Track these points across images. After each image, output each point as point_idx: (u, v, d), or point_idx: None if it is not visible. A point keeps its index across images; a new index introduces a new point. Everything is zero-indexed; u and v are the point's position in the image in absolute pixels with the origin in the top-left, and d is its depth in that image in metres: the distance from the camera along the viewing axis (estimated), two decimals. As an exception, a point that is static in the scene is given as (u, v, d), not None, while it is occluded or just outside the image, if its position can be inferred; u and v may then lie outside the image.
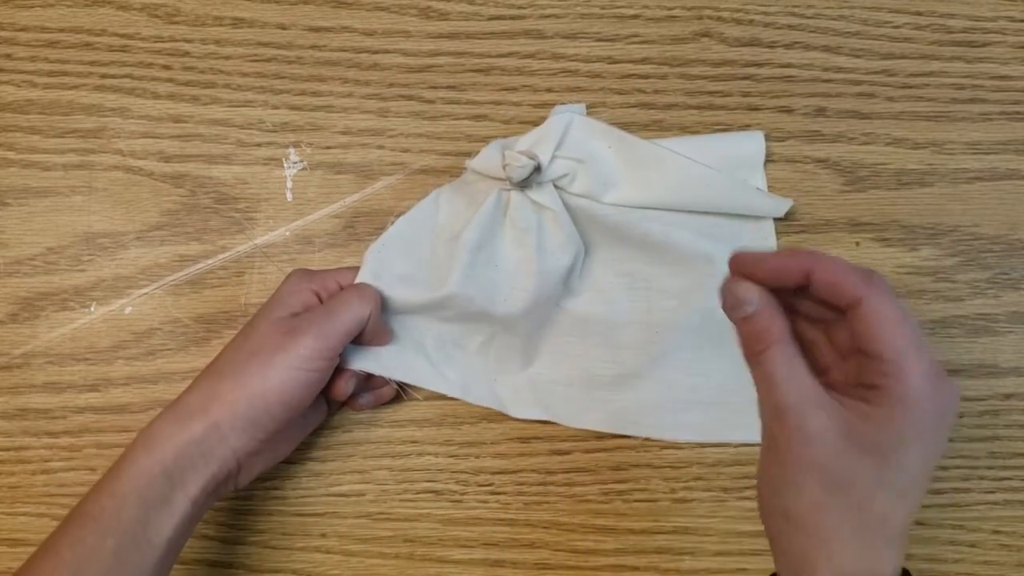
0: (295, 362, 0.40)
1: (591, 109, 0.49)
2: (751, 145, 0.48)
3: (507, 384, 0.47)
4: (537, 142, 0.45)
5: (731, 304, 0.35)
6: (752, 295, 0.35)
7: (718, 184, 0.47)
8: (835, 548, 0.33)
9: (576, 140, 0.46)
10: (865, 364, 0.33)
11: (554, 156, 0.45)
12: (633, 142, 0.47)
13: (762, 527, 0.35)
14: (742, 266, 0.35)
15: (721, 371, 0.47)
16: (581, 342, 0.47)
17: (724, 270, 0.36)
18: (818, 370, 0.35)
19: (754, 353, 0.34)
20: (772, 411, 0.34)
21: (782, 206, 0.47)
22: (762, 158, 0.48)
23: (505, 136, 0.48)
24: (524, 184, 0.45)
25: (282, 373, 0.39)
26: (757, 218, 0.48)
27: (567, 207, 0.46)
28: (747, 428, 0.46)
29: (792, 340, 0.34)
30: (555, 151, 0.45)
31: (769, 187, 0.49)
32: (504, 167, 0.44)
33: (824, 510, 0.33)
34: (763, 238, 0.48)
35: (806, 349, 0.35)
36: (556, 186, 0.46)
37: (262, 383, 0.39)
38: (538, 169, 0.45)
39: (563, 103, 0.49)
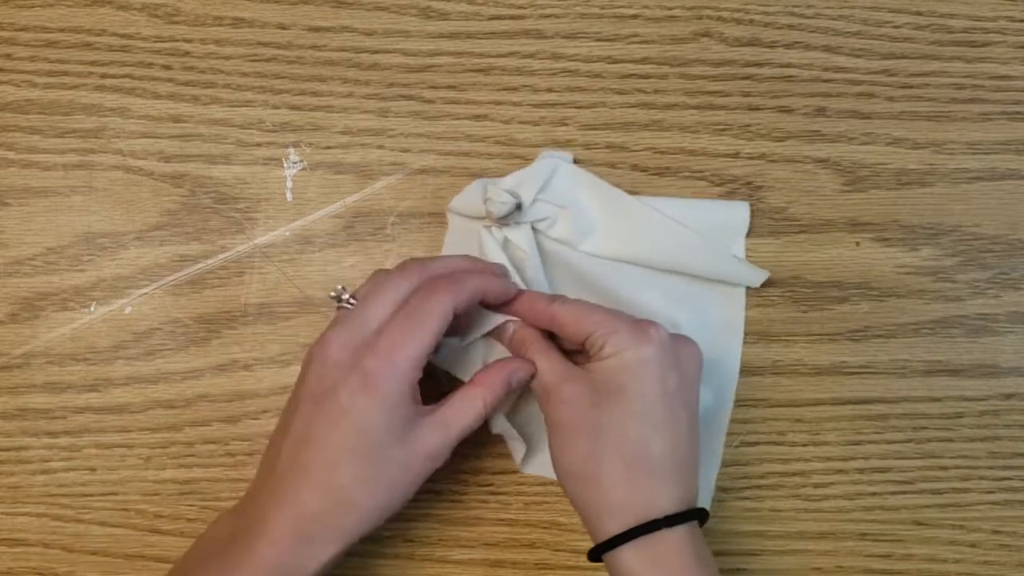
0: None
1: (591, 109, 0.49)
2: (736, 214, 0.48)
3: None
4: (521, 183, 0.46)
5: (498, 335, 0.43)
6: (511, 322, 0.42)
7: (697, 247, 0.47)
8: (609, 487, 0.38)
9: (560, 186, 0.47)
10: (587, 344, 0.40)
11: (536, 198, 0.46)
12: (617, 195, 0.48)
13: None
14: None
15: None
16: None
17: (690, 335, 0.42)
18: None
19: (519, 356, 0.42)
20: (541, 395, 0.41)
21: (758, 277, 0.47)
22: (745, 227, 0.48)
23: (507, 131, 0.48)
24: (503, 221, 0.45)
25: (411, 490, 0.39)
26: (730, 285, 0.48)
27: (541, 250, 0.46)
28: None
29: (546, 341, 0.42)
30: (538, 193, 0.46)
31: (769, 187, 0.49)
32: (485, 201, 0.45)
33: (593, 456, 0.38)
34: (732, 306, 0.48)
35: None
36: (535, 228, 0.46)
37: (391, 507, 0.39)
38: (519, 208, 0.45)
39: (550, 148, 0.48)
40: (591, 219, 0.47)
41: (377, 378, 0.37)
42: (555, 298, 0.42)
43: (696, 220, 0.47)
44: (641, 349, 0.39)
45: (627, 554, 0.38)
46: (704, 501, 0.47)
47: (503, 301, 0.42)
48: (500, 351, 0.44)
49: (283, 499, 0.37)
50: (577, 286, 0.47)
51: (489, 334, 0.43)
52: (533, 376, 0.41)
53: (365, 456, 0.37)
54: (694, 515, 0.39)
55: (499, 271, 0.44)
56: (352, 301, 0.40)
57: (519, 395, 0.45)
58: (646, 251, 0.47)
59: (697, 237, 0.47)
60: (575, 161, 0.48)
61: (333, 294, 0.41)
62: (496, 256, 0.45)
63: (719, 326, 0.48)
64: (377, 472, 0.37)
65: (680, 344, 0.41)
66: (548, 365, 0.41)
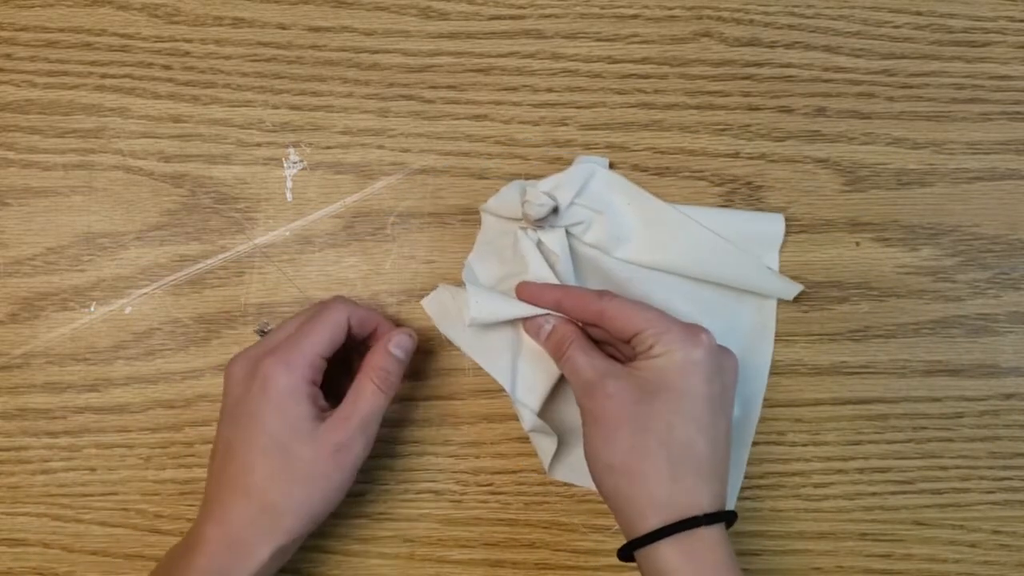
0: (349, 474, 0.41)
1: (591, 109, 0.49)
2: (771, 225, 0.48)
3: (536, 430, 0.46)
4: (558, 186, 0.46)
5: (533, 331, 0.44)
6: (547, 318, 0.43)
7: (731, 258, 0.47)
8: (651, 484, 0.38)
9: (596, 191, 0.47)
10: (635, 341, 0.41)
11: (573, 202, 0.46)
12: (653, 202, 0.48)
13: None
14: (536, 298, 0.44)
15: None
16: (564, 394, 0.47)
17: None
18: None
19: (560, 355, 0.42)
20: (582, 390, 0.41)
21: (792, 290, 0.47)
22: (780, 239, 0.48)
23: (507, 131, 0.48)
24: (539, 223, 0.45)
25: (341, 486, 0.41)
26: (762, 297, 0.48)
27: (575, 254, 0.46)
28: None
29: (586, 339, 0.43)
30: (575, 197, 0.46)
31: (769, 187, 0.49)
32: (523, 203, 0.45)
33: (636, 450, 0.39)
34: (763, 316, 0.48)
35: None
36: (569, 232, 0.46)
37: (326, 507, 0.41)
38: (555, 211, 0.45)
39: (556, 170, 0.47)
40: (627, 225, 0.47)
41: (274, 377, 0.40)
42: (604, 293, 0.42)
43: (731, 230, 0.47)
44: (692, 351, 0.40)
45: (665, 550, 0.38)
46: (729, 506, 0.47)
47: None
48: (530, 346, 0.45)
49: (211, 513, 0.40)
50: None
51: (519, 327, 0.45)
52: (415, 341, 0.44)
53: (275, 455, 0.39)
54: (728, 516, 0.39)
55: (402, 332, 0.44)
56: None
57: (549, 397, 0.45)
58: (680, 259, 0.47)
59: (731, 247, 0.47)
60: (610, 166, 0.48)
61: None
62: (532, 256, 0.45)
63: (749, 336, 0.47)
64: (289, 469, 0.39)
65: (724, 353, 0.42)
66: (590, 361, 0.41)
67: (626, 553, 0.39)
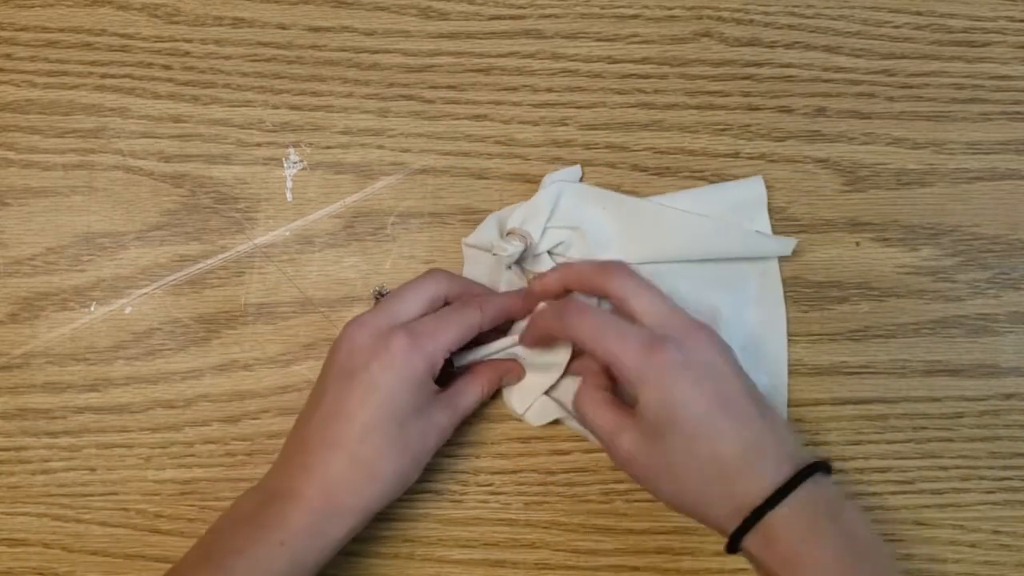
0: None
1: (591, 109, 0.49)
2: (751, 189, 0.48)
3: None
4: (527, 219, 0.46)
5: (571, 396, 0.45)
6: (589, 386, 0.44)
7: (717, 231, 0.47)
8: (714, 508, 0.39)
9: (567, 208, 0.47)
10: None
11: (546, 227, 0.46)
12: (626, 201, 0.48)
13: None
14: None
15: None
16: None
17: (732, 319, 0.45)
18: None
19: (579, 416, 0.43)
20: (604, 445, 0.42)
21: (787, 246, 0.47)
22: (764, 200, 0.48)
23: (507, 131, 0.48)
24: (519, 261, 0.46)
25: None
26: (762, 261, 0.48)
27: None
28: None
29: (594, 395, 0.43)
30: (547, 223, 0.46)
31: (769, 187, 0.49)
32: (494, 252, 0.45)
33: (683, 492, 0.40)
34: (768, 278, 0.48)
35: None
36: (552, 254, 0.47)
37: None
38: (528, 246, 0.46)
39: (555, 169, 0.48)
40: (606, 231, 0.47)
41: (407, 358, 0.40)
42: (568, 310, 0.42)
43: (711, 206, 0.47)
44: (657, 391, 0.39)
45: (747, 545, 0.38)
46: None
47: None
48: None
49: (313, 470, 0.40)
50: None
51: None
52: (520, 379, 0.46)
53: (392, 428, 0.40)
54: (794, 479, 0.38)
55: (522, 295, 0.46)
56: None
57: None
58: (668, 248, 0.47)
59: (713, 222, 0.47)
60: (583, 172, 0.49)
61: (374, 291, 0.47)
62: (520, 286, 0.46)
63: (759, 302, 0.47)
64: (402, 442, 0.41)
65: (689, 344, 0.40)
66: (601, 418, 0.42)
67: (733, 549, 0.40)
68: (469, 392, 0.44)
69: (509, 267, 0.46)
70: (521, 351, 0.46)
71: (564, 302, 0.44)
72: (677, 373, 0.39)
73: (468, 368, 0.46)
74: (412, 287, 0.44)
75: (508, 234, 0.46)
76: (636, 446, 0.40)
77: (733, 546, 0.39)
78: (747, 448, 0.39)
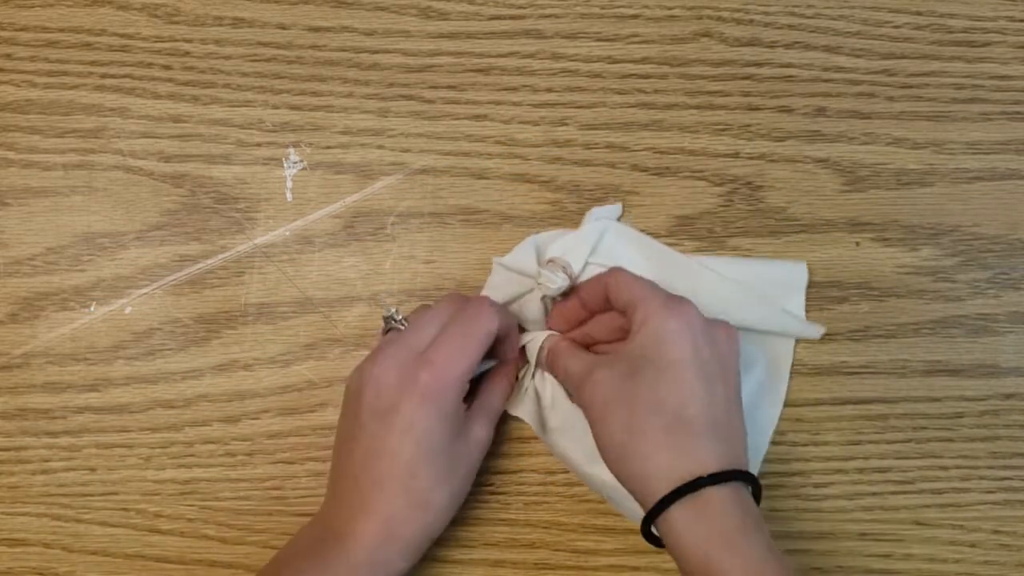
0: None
1: (591, 109, 0.49)
2: (793, 273, 0.48)
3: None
4: (570, 249, 0.46)
5: (541, 361, 0.46)
6: (543, 342, 0.45)
7: (752, 302, 0.46)
8: (652, 453, 0.38)
9: (610, 246, 0.47)
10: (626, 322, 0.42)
11: (588, 262, 0.46)
12: (669, 254, 0.48)
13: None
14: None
15: None
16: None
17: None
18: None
19: (556, 368, 0.44)
20: (576, 388, 0.42)
21: (816, 331, 0.47)
22: (803, 285, 0.48)
23: (507, 131, 0.48)
24: (557, 295, 0.45)
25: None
26: (784, 338, 0.48)
27: None
28: None
29: (576, 344, 0.44)
30: (589, 257, 0.46)
31: (769, 187, 0.49)
32: (539, 283, 0.45)
33: (632, 426, 0.39)
34: (783, 358, 0.48)
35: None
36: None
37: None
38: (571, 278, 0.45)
39: (600, 205, 0.48)
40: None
41: (435, 393, 0.41)
42: (613, 269, 0.43)
43: (752, 277, 0.47)
44: (667, 321, 0.40)
45: (675, 513, 0.37)
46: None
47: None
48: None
49: (368, 507, 0.41)
50: None
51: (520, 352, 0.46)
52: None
53: (437, 460, 0.41)
54: (739, 476, 0.38)
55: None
56: (404, 323, 0.44)
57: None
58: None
59: (751, 294, 0.46)
60: (621, 213, 0.48)
61: (386, 315, 0.45)
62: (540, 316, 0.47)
63: (768, 370, 0.47)
64: (448, 469, 0.42)
65: (716, 325, 0.41)
66: (578, 362, 0.42)
67: (648, 532, 0.39)
68: (496, 392, 0.45)
69: (544, 298, 0.46)
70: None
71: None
72: (680, 322, 0.40)
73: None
74: (432, 317, 0.43)
75: (549, 262, 0.45)
76: (608, 376, 0.40)
77: (658, 509, 0.38)
78: (712, 424, 0.39)
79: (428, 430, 0.41)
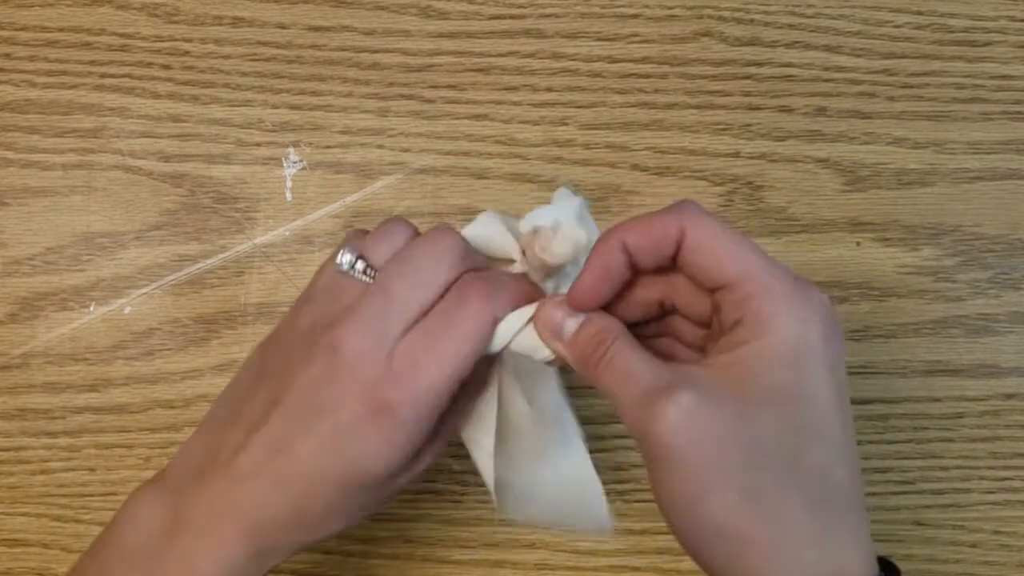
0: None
1: (591, 108, 0.49)
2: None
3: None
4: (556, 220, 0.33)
5: (549, 330, 0.30)
6: (569, 311, 0.29)
7: None
8: (789, 546, 0.25)
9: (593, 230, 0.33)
10: (718, 305, 0.27)
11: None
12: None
13: None
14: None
15: None
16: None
17: None
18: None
19: (596, 359, 0.28)
20: (639, 407, 0.27)
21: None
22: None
23: (507, 131, 0.48)
24: (554, 270, 0.33)
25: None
26: None
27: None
28: None
29: (628, 335, 0.29)
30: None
31: (770, 187, 0.48)
32: (539, 248, 0.32)
33: (756, 496, 0.25)
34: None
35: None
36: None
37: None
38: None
39: (555, 168, 0.43)
40: None
41: (393, 414, 0.29)
42: (684, 208, 0.28)
43: None
44: (811, 326, 0.27)
45: None
46: None
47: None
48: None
49: (240, 507, 0.30)
50: None
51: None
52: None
53: (353, 491, 0.30)
54: (891, 570, 0.27)
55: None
56: (371, 273, 0.31)
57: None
58: None
59: None
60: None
61: (342, 260, 0.32)
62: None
63: None
64: (360, 505, 0.31)
65: (837, 319, 0.28)
66: (647, 363, 0.28)
67: None
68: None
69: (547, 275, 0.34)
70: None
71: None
72: (832, 326, 0.27)
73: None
74: (409, 275, 0.30)
75: (534, 233, 0.33)
76: (703, 408, 0.26)
77: None
78: (859, 491, 0.27)
79: (364, 458, 0.29)
